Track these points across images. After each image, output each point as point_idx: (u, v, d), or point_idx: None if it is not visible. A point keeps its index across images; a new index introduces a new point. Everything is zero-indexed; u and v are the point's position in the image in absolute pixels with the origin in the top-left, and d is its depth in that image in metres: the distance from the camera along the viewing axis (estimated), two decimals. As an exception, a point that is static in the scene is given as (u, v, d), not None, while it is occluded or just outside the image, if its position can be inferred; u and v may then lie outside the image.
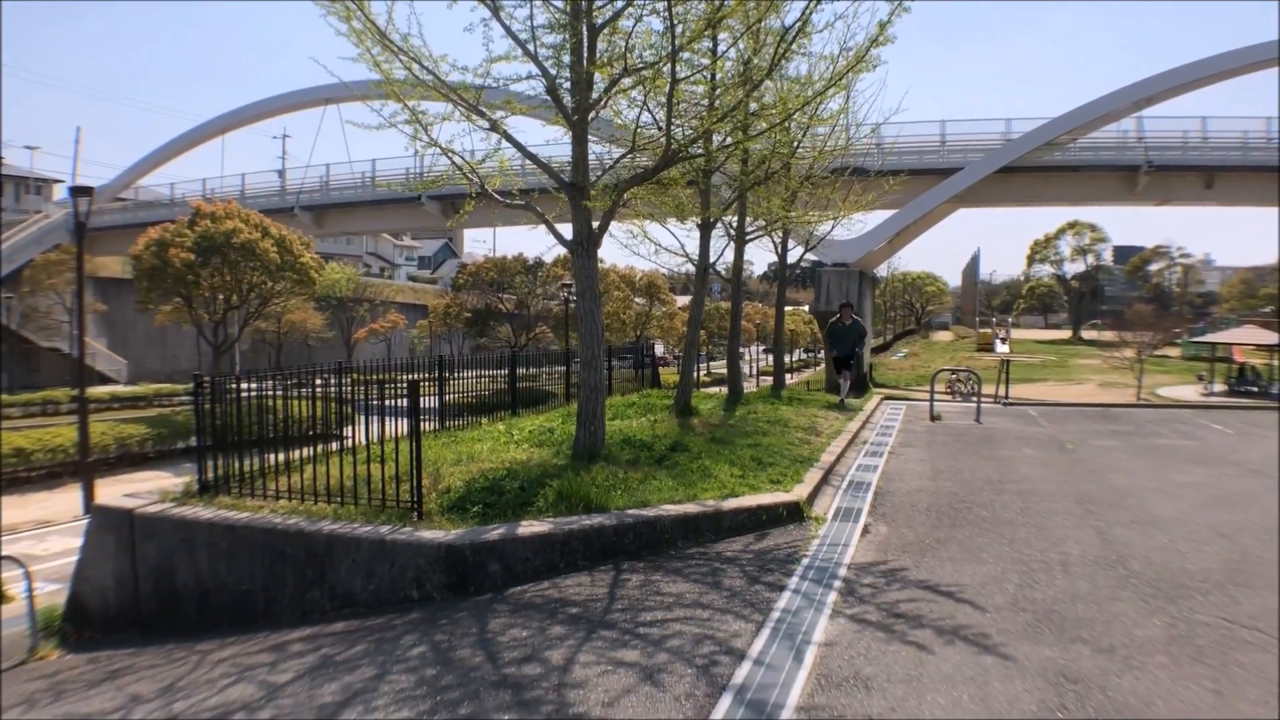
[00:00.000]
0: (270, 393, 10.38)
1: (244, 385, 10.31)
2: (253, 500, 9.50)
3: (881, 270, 69.52)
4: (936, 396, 21.04)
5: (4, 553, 11.24)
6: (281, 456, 10.26)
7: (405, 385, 9.09)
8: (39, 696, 7.45)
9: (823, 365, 43.54)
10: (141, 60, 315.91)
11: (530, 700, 5.21)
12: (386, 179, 52.98)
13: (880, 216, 41.14)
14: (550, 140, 14.95)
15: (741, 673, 5.41)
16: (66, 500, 21.88)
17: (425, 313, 72.06)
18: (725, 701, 5.02)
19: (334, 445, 10.18)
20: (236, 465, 10.03)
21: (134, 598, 9.58)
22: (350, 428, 10.66)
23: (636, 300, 52.51)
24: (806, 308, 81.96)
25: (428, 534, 7.93)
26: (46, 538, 18.30)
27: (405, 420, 9.35)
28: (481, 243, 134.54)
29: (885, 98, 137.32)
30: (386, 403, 9.75)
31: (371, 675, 6.00)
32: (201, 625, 8.90)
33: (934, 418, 19.05)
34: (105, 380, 58.21)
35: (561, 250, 12.56)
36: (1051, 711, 4.81)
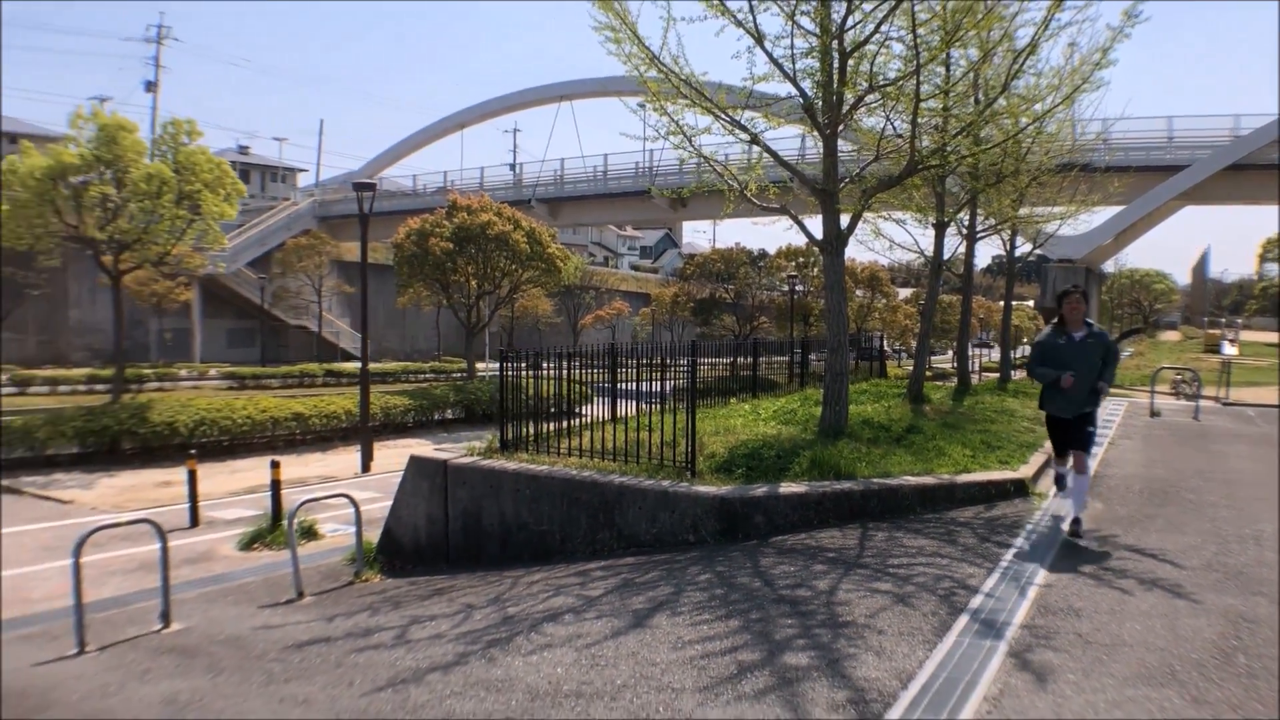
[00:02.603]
0: (549, 370, 12.02)
1: (531, 364, 12.06)
2: (546, 457, 11.19)
3: (1108, 266, 67.69)
4: (1158, 395, 21.33)
5: (328, 493, 13.21)
6: (549, 424, 11.99)
7: (686, 365, 10.62)
8: (379, 605, 9.16)
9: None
10: (374, 55, 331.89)
11: (806, 612, 6.58)
12: (619, 173, 55.39)
13: (1107, 213, 40.66)
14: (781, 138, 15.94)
15: (975, 601, 6.66)
16: (342, 460, 24.45)
17: (647, 301, 74.21)
18: (963, 619, 6.27)
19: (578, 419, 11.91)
20: (529, 428, 11.79)
21: (443, 534, 11.41)
22: (586, 405, 12.30)
23: (857, 292, 52.91)
24: (1031, 303, 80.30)
25: (703, 488, 9.42)
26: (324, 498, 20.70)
27: (629, 402, 10.90)
28: (701, 233, 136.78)
29: (1109, 101, 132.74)
30: (624, 385, 11.31)
31: (670, 592, 7.50)
32: (503, 559, 10.60)
33: (1153, 414, 19.47)
34: (348, 357, 62.50)
35: (786, 243, 13.90)
36: (1226, 639, 5.88)
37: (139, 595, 11.06)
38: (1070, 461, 9.20)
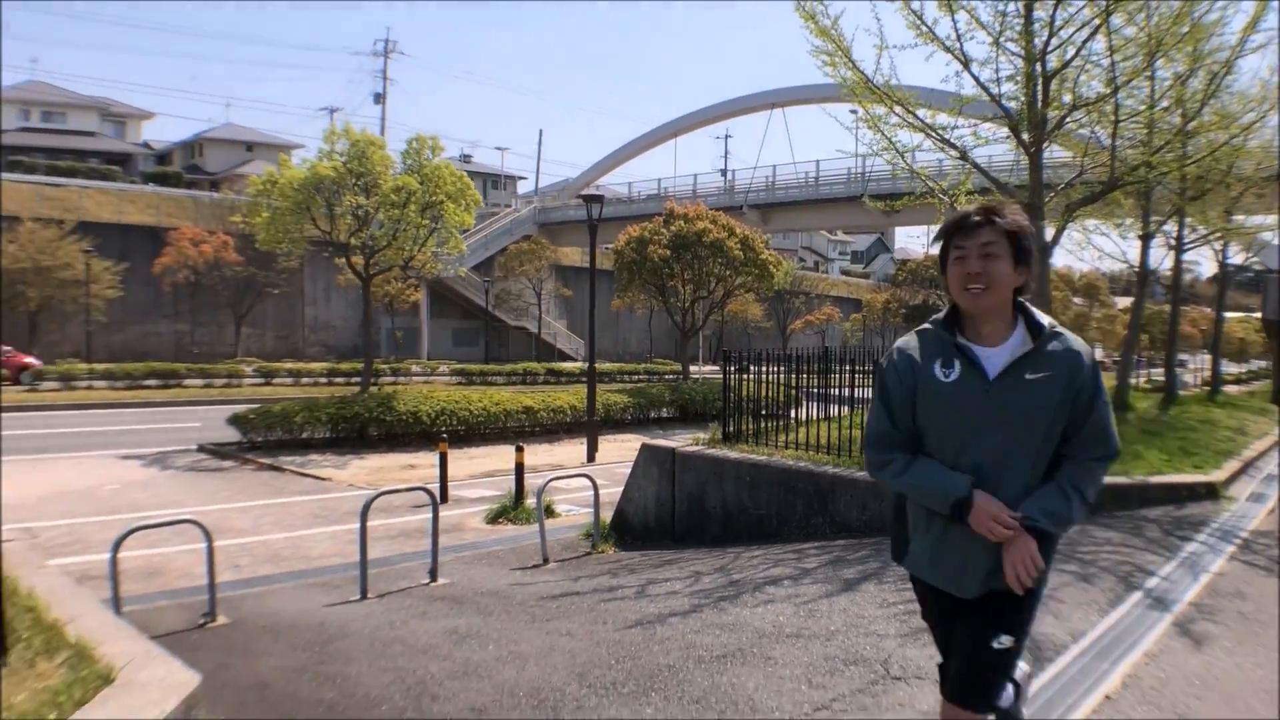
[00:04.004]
0: (768, 372, 13.19)
1: (751, 365, 13.25)
2: (763, 448, 12.36)
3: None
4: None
5: (569, 474, 14.70)
6: (765, 421, 13.16)
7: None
8: (617, 570, 10.43)
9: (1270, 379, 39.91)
10: (592, 67, 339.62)
11: (995, 583, 7.55)
12: (830, 178, 56.03)
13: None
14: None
15: (1150, 582, 7.50)
16: (567, 451, 26.12)
17: (858, 306, 74.45)
18: (1135, 595, 7.15)
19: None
20: (748, 422, 12.99)
21: (670, 515, 12.69)
22: (794, 409, 13.35)
23: (1074, 300, 51.99)
24: (1259, 315, 76.28)
25: (908, 479, 10.39)
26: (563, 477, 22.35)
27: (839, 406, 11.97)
28: (914, 238, 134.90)
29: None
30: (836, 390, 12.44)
31: (877, 566, 8.56)
32: (724, 539, 11.75)
33: None
34: (564, 357, 65.05)
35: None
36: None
37: (401, 558, 12.55)
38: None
